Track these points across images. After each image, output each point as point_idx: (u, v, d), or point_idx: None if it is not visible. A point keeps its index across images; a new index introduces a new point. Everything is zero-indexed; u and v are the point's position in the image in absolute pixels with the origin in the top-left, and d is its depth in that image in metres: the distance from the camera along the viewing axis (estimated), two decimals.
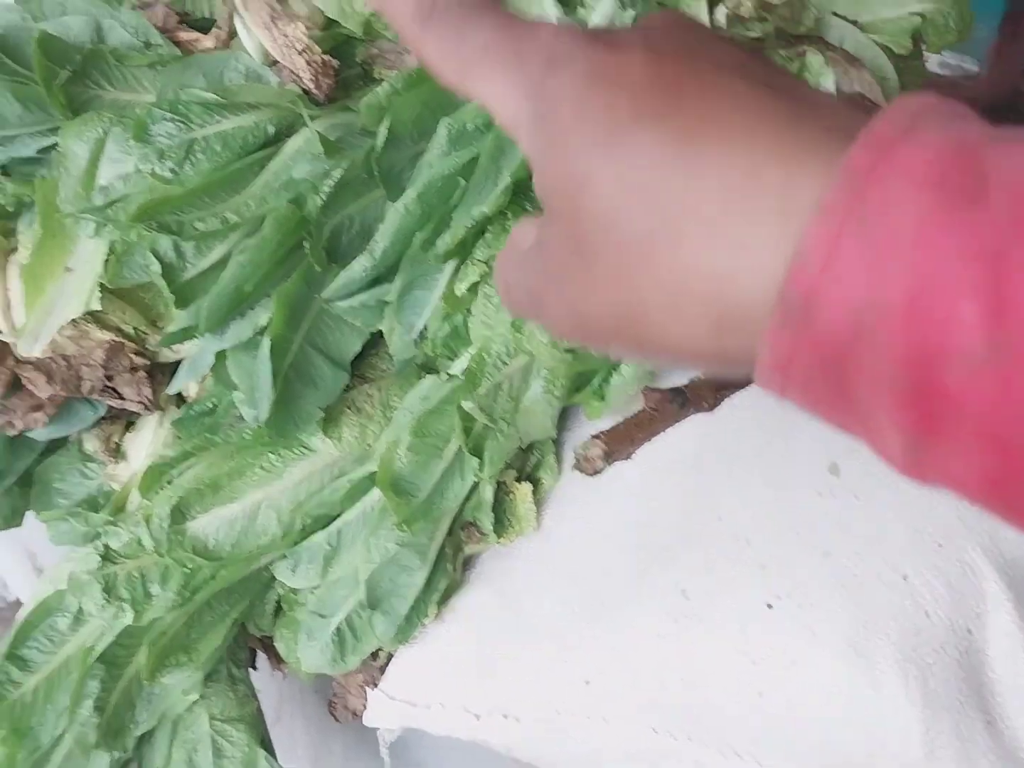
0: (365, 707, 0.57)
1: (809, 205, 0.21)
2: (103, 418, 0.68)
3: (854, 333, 0.21)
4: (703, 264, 0.23)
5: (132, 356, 0.63)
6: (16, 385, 0.66)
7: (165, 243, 0.59)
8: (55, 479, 0.70)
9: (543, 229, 0.27)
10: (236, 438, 0.59)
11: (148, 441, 0.65)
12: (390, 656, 0.56)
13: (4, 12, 0.70)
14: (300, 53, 0.59)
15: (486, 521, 0.54)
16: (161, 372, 0.67)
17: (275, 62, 0.61)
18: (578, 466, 0.45)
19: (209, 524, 0.56)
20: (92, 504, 0.67)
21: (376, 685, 0.56)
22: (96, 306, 0.61)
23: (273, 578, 0.60)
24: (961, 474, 0.21)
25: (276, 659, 0.65)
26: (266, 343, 0.56)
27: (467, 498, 0.55)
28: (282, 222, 0.57)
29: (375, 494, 0.55)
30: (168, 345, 0.64)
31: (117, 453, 0.67)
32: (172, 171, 0.57)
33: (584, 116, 0.24)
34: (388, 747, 0.56)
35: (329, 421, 0.58)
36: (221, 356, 0.60)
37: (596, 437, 0.44)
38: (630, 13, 0.58)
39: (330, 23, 0.65)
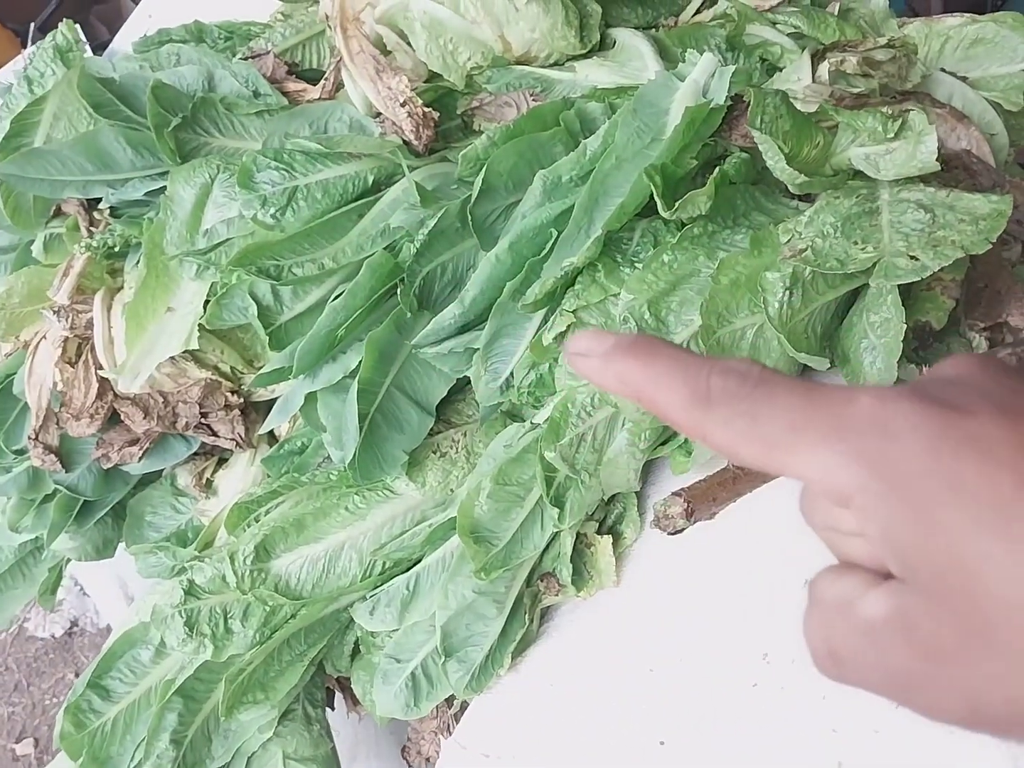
0: (438, 754, 0.57)
1: None
2: (196, 454, 0.70)
3: None
4: None
5: (227, 394, 0.65)
6: (114, 419, 0.69)
7: (263, 287, 0.61)
8: (147, 512, 0.72)
9: (908, 602, 0.25)
10: (323, 479, 0.60)
11: (239, 477, 0.67)
12: (464, 704, 0.56)
13: (123, 61, 0.75)
14: (403, 105, 0.61)
15: (565, 572, 0.54)
16: (255, 411, 0.68)
17: (378, 113, 0.63)
18: (657, 523, 0.44)
19: (292, 563, 0.57)
20: (181, 538, 0.69)
21: (450, 733, 0.56)
22: (195, 345, 0.63)
23: (352, 620, 0.60)
24: None
25: (352, 701, 0.65)
26: (354, 387, 0.57)
27: (546, 548, 0.55)
28: (377, 269, 0.59)
29: (455, 540, 0.55)
30: (262, 386, 0.66)
31: (208, 488, 0.68)
32: (274, 217, 0.60)
33: (959, 490, 0.23)
34: None
35: (413, 465, 0.58)
36: (312, 397, 0.61)
37: (677, 494, 0.43)
38: (730, 69, 0.58)
39: (433, 76, 0.67)
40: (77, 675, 1.63)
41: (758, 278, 0.52)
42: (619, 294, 0.54)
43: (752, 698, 0.45)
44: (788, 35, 0.63)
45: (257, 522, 0.59)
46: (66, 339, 0.69)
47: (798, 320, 0.52)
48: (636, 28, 0.69)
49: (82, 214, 0.73)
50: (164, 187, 0.66)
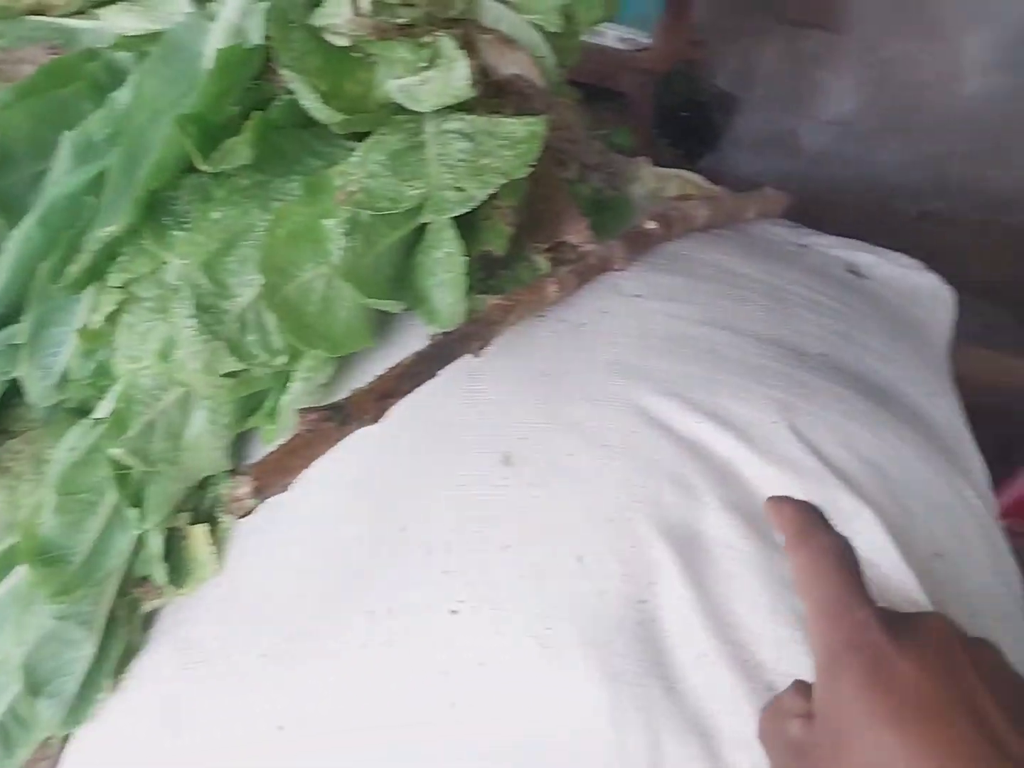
0: None
1: None
2: None
3: None
4: None
5: None
6: None
7: None
8: None
9: (811, 731, 0.35)
10: None
11: None
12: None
13: None
14: None
15: (160, 573, 0.49)
16: None
17: None
18: (227, 509, 0.41)
19: None
20: None
21: None
22: None
23: None
24: None
25: None
26: None
27: (136, 552, 0.50)
28: None
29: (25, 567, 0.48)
30: None
31: None
32: None
33: (867, 697, 0.33)
34: None
35: None
36: None
37: (243, 472, 0.40)
38: (264, 5, 0.54)
39: None
40: None
41: (317, 226, 0.50)
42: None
43: (367, 658, 0.44)
44: None
45: None
46: None
47: (364, 266, 0.50)
48: None
49: None
50: None
